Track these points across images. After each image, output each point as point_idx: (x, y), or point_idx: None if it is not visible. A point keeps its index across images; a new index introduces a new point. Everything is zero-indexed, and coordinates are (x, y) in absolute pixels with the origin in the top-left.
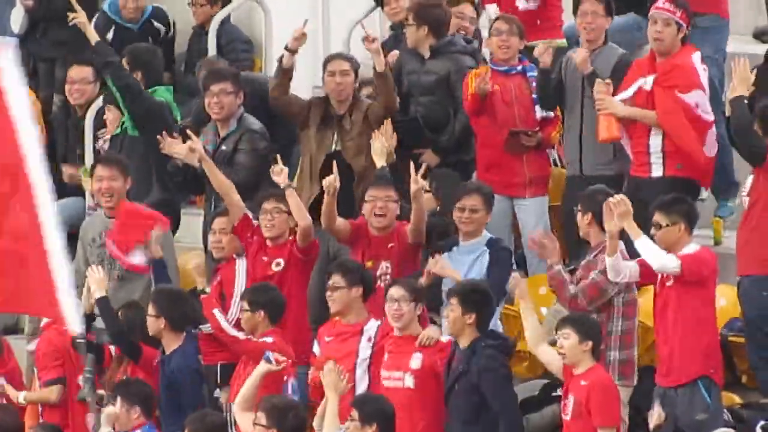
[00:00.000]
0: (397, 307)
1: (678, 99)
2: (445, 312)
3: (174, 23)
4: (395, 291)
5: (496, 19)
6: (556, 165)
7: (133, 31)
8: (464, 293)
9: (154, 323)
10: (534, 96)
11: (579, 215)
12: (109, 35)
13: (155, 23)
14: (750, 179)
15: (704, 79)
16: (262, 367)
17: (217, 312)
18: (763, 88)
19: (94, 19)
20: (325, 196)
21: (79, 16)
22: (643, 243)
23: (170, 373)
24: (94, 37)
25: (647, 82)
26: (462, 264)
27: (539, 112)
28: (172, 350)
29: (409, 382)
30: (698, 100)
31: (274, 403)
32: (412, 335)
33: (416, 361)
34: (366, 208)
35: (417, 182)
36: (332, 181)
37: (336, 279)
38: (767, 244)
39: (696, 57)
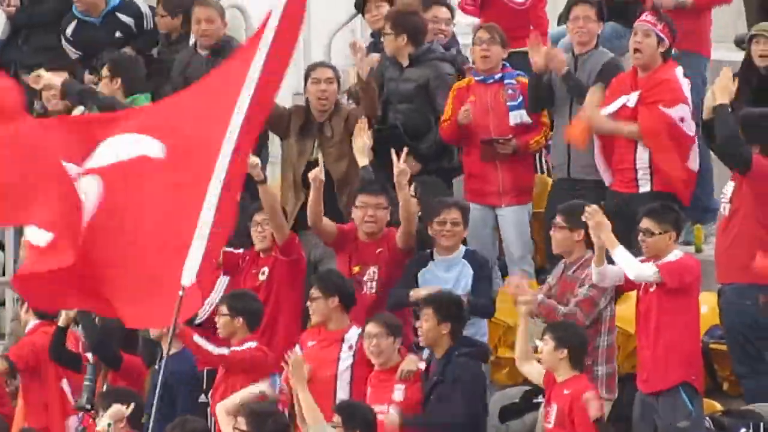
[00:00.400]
0: (375, 344)
1: (662, 115)
2: (419, 323)
3: (152, 15)
4: (372, 328)
5: (479, 28)
6: (541, 172)
7: (95, 24)
8: (439, 303)
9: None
10: (509, 103)
11: (560, 230)
12: (70, 29)
13: (121, 16)
14: (730, 186)
15: (687, 92)
16: (267, 390)
17: (198, 339)
18: (741, 95)
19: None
20: (312, 190)
21: (41, 76)
22: (620, 253)
23: (168, 376)
24: (59, 78)
25: (630, 99)
26: (445, 281)
27: (514, 120)
28: (173, 353)
29: (393, 413)
30: (683, 114)
31: (254, 409)
32: (392, 368)
33: (398, 393)
34: (356, 214)
35: (399, 167)
36: (317, 173)
37: (313, 290)
38: (748, 252)
39: (678, 71)
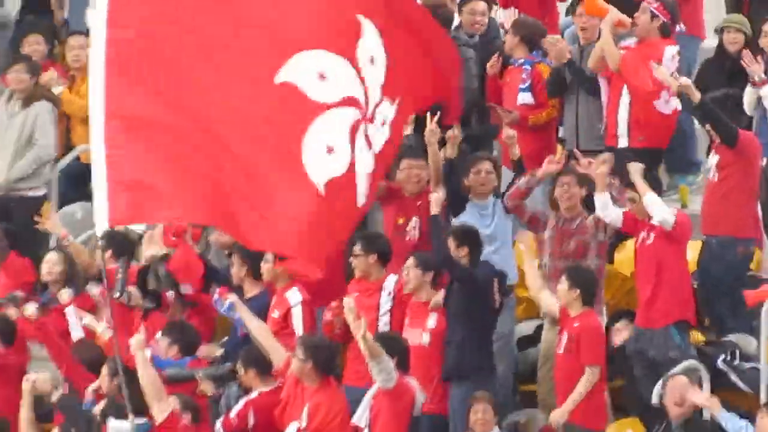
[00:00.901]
0: (407, 273)
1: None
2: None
3: None
4: (409, 261)
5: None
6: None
7: None
8: (456, 230)
9: (238, 271)
10: (520, 86)
11: (572, 188)
12: None
13: None
14: (715, 157)
15: (668, 65)
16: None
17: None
18: (712, 81)
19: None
20: None
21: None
22: (651, 198)
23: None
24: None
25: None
26: (485, 217)
27: (520, 100)
28: (252, 295)
29: (425, 339)
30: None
31: (311, 340)
32: (427, 301)
33: (432, 320)
34: (401, 175)
35: (430, 127)
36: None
37: (356, 248)
38: (733, 210)
39: (669, 50)
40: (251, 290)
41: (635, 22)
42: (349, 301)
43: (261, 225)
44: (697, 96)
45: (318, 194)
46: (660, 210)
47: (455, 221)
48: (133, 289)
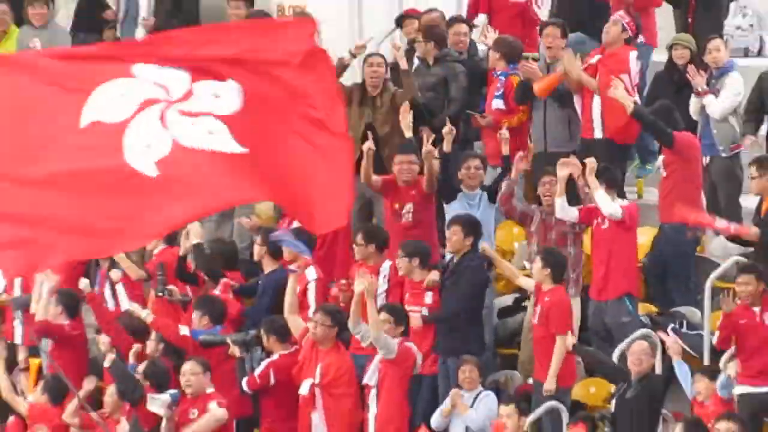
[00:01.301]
0: (398, 262)
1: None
2: (448, 234)
3: None
4: (398, 251)
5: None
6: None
7: None
8: (464, 222)
9: (259, 250)
10: (495, 93)
11: (552, 185)
12: None
13: None
14: (661, 157)
15: (634, 68)
16: (292, 281)
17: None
18: (662, 91)
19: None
20: (364, 158)
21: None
22: (600, 195)
23: (266, 284)
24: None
25: (595, 60)
26: (472, 207)
27: (494, 105)
28: (270, 270)
29: (424, 313)
30: (626, 82)
31: (334, 308)
32: (421, 280)
33: (428, 297)
34: (395, 168)
35: (427, 147)
36: (370, 145)
37: (358, 237)
38: (681, 201)
39: (632, 54)
40: (269, 266)
41: (606, 31)
42: (369, 276)
43: (127, 232)
44: (630, 108)
45: (150, 179)
46: (607, 206)
47: (447, 208)
48: (172, 287)
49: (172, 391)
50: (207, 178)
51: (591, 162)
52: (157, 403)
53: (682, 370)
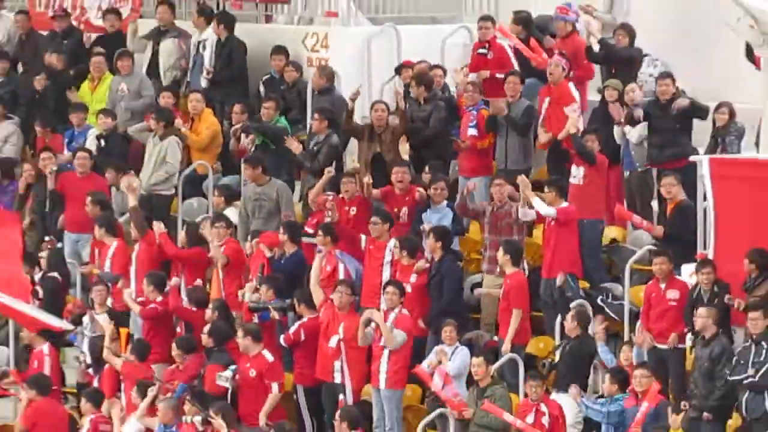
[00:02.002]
0: (395, 250)
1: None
2: (426, 243)
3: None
4: (391, 242)
5: (470, 83)
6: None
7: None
8: (439, 232)
9: (282, 236)
10: (469, 124)
11: (503, 188)
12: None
13: None
14: (579, 169)
15: (577, 96)
16: (318, 260)
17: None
18: (597, 121)
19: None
20: (365, 188)
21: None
22: (536, 202)
23: (283, 267)
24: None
25: (546, 101)
26: (436, 220)
27: (470, 132)
28: (291, 252)
29: (409, 289)
30: (574, 107)
31: (351, 281)
32: (412, 263)
33: (414, 277)
34: (393, 178)
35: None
36: (369, 180)
37: (374, 218)
38: (593, 202)
39: (571, 85)
40: (289, 249)
41: (551, 71)
42: (375, 314)
43: None
44: (572, 131)
45: None
46: (543, 209)
47: (425, 216)
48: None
49: (233, 366)
50: None
51: (523, 179)
52: (223, 378)
53: (603, 350)
